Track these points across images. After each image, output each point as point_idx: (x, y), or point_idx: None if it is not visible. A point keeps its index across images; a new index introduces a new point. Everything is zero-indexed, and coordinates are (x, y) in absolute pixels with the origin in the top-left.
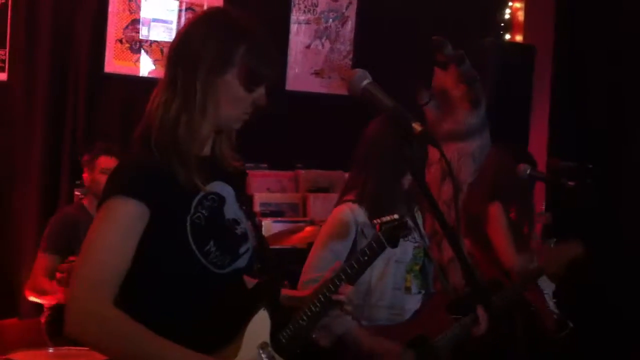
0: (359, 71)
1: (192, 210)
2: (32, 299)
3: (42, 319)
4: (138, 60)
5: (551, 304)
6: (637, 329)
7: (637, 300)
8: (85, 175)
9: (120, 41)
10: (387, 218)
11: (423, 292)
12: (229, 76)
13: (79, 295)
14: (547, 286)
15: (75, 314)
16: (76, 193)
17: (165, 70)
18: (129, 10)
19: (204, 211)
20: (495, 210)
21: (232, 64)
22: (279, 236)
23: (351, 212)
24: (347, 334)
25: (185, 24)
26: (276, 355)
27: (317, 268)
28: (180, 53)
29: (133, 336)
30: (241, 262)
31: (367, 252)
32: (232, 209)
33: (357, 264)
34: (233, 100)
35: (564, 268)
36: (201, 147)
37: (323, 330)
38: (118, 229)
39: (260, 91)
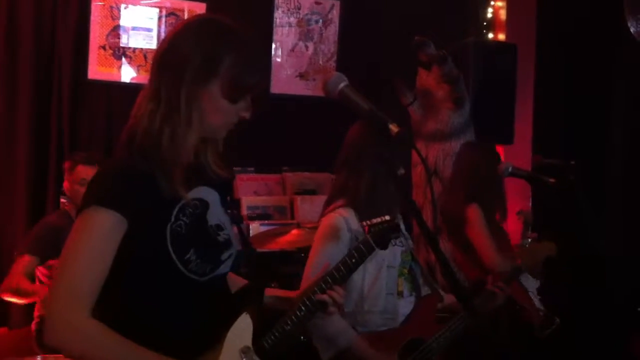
0: (335, 74)
1: (173, 219)
2: (9, 299)
3: (32, 327)
4: (121, 66)
5: (536, 301)
6: (619, 324)
7: (620, 295)
8: (65, 184)
9: (103, 48)
10: (377, 220)
11: (414, 294)
12: (213, 87)
13: (57, 306)
14: (531, 284)
15: (54, 325)
16: (62, 200)
17: (150, 78)
18: (111, 17)
19: (185, 219)
20: (473, 212)
21: (217, 75)
22: (264, 238)
23: (344, 219)
24: (350, 348)
25: (171, 31)
26: None
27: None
28: (165, 61)
29: (111, 346)
30: (223, 269)
31: (355, 254)
32: (216, 215)
33: (344, 266)
34: (217, 111)
35: (540, 266)
36: (186, 156)
37: (326, 343)
38: (95, 240)
39: (245, 102)
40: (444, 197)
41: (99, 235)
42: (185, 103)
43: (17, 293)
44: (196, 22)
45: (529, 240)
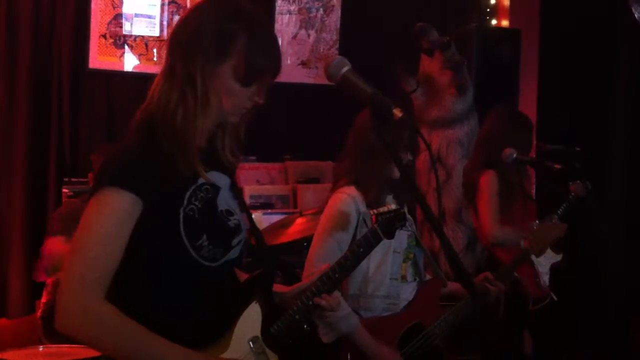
0: (337, 58)
1: (185, 202)
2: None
3: (38, 315)
4: (122, 55)
5: (544, 275)
6: (619, 310)
7: (620, 282)
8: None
9: (104, 36)
10: (384, 209)
11: (417, 280)
12: (225, 67)
13: (70, 290)
14: (544, 260)
15: (67, 309)
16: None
17: (165, 57)
18: (112, 5)
19: (197, 202)
20: (487, 178)
21: (229, 53)
22: (269, 233)
23: (352, 200)
24: (351, 334)
25: (188, 9)
26: (267, 349)
27: (322, 258)
28: (179, 40)
29: (125, 331)
30: (233, 254)
31: (363, 243)
32: (225, 200)
33: (352, 255)
34: (227, 93)
35: (550, 246)
36: (200, 138)
37: (327, 327)
38: (110, 222)
39: (258, 87)
40: (467, 161)
41: (114, 217)
42: (202, 83)
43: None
44: (209, 0)
45: (536, 222)
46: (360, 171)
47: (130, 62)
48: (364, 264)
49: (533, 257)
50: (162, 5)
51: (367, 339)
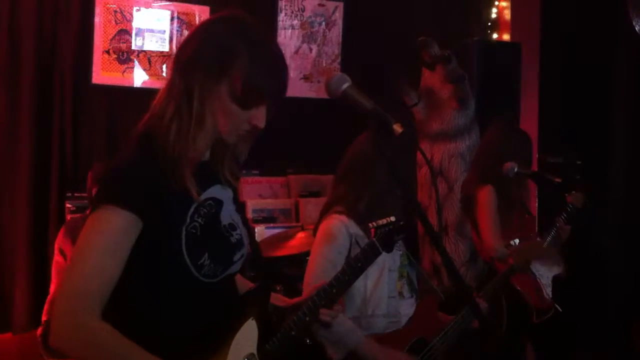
0: (337, 74)
1: (188, 220)
2: None
3: (39, 332)
4: (126, 71)
5: (547, 289)
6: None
7: (621, 285)
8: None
9: (108, 52)
10: (383, 221)
11: (414, 295)
12: (224, 86)
13: (66, 308)
14: (546, 271)
15: (62, 327)
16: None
17: (169, 71)
18: (115, 21)
19: (200, 219)
20: (485, 193)
21: (228, 73)
22: (271, 244)
23: (342, 224)
24: (359, 347)
25: (193, 28)
26: None
27: (317, 279)
28: (180, 57)
29: (118, 349)
30: (234, 269)
31: (361, 257)
32: (228, 213)
33: (350, 269)
34: (224, 113)
35: (530, 264)
36: (198, 155)
37: (335, 345)
38: (107, 240)
39: (259, 110)
40: (465, 176)
41: (111, 235)
42: (199, 98)
43: None
44: (219, 17)
45: (517, 240)
46: (355, 199)
47: (133, 77)
48: (361, 285)
49: (534, 270)
50: (173, 18)
51: (376, 348)
